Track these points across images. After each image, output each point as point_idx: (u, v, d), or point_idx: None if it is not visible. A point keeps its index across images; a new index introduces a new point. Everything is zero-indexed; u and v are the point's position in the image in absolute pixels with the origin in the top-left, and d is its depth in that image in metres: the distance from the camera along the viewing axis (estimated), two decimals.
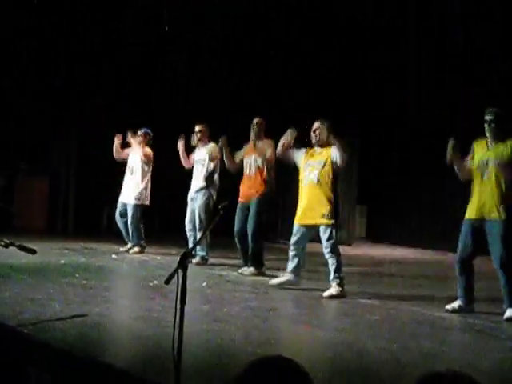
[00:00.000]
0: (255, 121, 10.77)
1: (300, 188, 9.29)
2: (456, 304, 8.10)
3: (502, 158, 7.89)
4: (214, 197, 11.54)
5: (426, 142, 15.51)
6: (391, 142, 17.01)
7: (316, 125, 9.27)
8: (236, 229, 10.64)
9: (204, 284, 9.34)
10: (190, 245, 11.48)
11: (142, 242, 12.56)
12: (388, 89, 16.27)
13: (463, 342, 6.77)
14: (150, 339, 6.16)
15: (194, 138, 11.80)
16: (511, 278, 7.78)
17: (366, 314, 7.91)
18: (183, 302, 4.27)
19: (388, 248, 16.18)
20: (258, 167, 10.62)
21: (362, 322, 7.47)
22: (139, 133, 12.64)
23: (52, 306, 7.27)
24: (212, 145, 11.57)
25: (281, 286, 9.15)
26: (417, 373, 2.43)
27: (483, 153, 8.04)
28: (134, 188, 12.61)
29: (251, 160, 10.69)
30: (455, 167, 8.25)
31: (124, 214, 12.65)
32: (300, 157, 9.37)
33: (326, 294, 8.87)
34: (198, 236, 11.33)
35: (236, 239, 10.68)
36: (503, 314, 7.80)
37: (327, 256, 9.00)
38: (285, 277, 9.26)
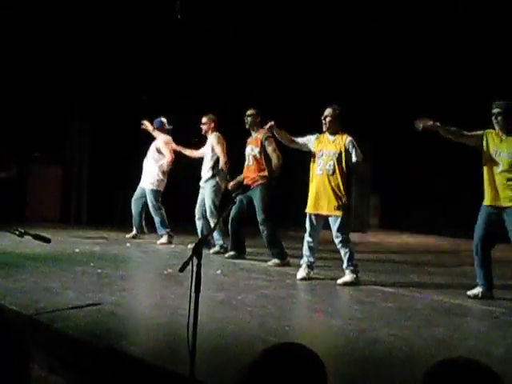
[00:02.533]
0: (248, 112, 10.90)
1: (312, 175, 9.23)
2: (476, 290, 8.14)
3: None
4: (222, 185, 11.61)
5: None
6: (405, 129, 16.95)
7: (327, 111, 9.20)
8: (231, 215, 10.77)
9: (218, 272, 9.37)
10: (199, 232, 11.59)
11: (169, 230, 12.67)
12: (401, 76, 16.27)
13: (478, 330, 6.75)
14: (164, 327, 6.18)
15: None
16: None
17: (380, 301, 7.91)
18: (198, 290, 4.28)
19: (402, 235, 16.17)
20: (255, 157, 10.75)
21: (375, 310, 7.47)
22: (154, 125, 12.80)
23: (67, 295, 7.31)
24: (214, 134, 11.68)
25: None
26: (430, 360, 2.42)
27: (496, 144, 8.08)
28: (149, 174, 12.78)
29: (248, 150, 10.86)
30: (439, 131, 8.27)
31: (140, 199, 12.80)
32: (312, 142, 9.30)
33: (340, 281, 8.90)
34: (211, 224, 11.41)
35: (229, 225, 10.89)
36: None
37: (339, 246, 9.04)
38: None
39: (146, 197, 12.77)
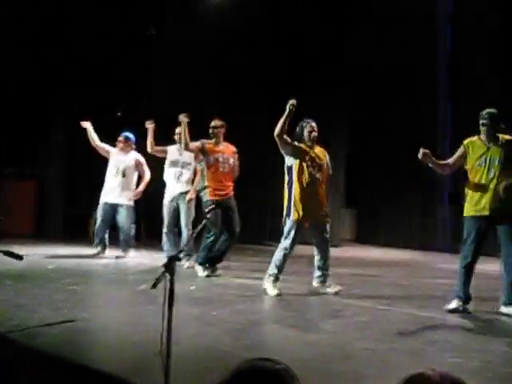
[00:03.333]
0: (218, 123, 10.93)
1: (303, 184, 9.14)
2: (455, 304, 8.12)
3: (503, 156, 8.05)
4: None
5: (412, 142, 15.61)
6: (379, 143, 17.03)
7: (314, 125, 9.29)
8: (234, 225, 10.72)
9: (192, 288, 9.34)
10: (170, 246, 11.59)
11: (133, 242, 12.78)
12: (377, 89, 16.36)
13: (452, 342, 6.77)
14: (138, 344, 6.15)
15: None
16: None
17: (354, 315, 7.92)
18: (171, 306, 4.27)
19: (377, 250, 16.18)
20: (229, 166, 10.84)
21: (350, 324, 7.47)
22: (120, 138, 12.75)
23: (40, 312, 7.26)
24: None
25: None
26: (405, 374, 2.43)
27: (483, 151, 8.10)
28: (129, 190, 12.73)
29: (222, 158, 10.81)
30: (430, 165, 8.34)
31: (111, 216, 12.70)
32: (300, 151, 9.23)
33: (333, 290, 9.18)
34: (185, 238, 11.45)
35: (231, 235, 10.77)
36: (497, 311, 8.04)
37: (327, 253, 9.25)
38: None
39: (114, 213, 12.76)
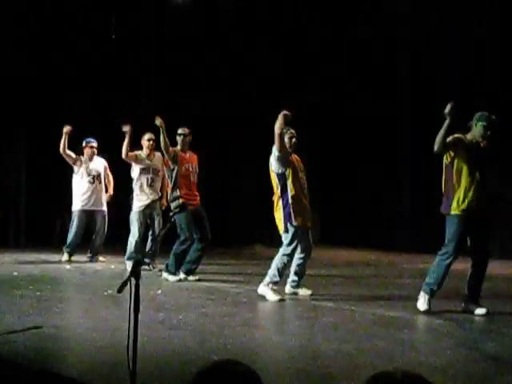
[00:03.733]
0: (186, 131, 10.87)
1: (297, 189, 9.15)
2: (427, 303, 8.14)
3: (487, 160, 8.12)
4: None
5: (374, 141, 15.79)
6: (339, 144, 17.12)
7: (294, 132, 9.31)
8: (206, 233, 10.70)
9: (159, 292, 9.33)
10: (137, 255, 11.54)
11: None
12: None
13: (418, 341, 6.84)
14: (105, 349, 6.14)
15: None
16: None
17: (321, 316, 7.95)
18: (137, 311, 4.27)
19: (340, 250, 16.22)
20: (196, 175, 10.83)
21: (316, 325, 7.51)
22: (88, 143, 12.72)
23: (6, 319, 7.22)
24: (160, 154, 11.61)
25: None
26: (372, 373, 2.45)
27: (475, 151, 8.07)
28: (103, 195, 12.86)
29: (190, 167, 10.80)
30: (442, 133, 7.96)
31: (91, 223, 12.70)
32: (289, 158, 9.25)
33: (307, 293, 9.26)
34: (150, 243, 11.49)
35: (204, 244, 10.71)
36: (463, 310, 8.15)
37: (309, 258, 9.34)
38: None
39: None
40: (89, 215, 12.79)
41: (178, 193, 10.60)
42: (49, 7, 14.78)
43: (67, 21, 14.92)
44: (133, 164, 11.82)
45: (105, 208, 12.89)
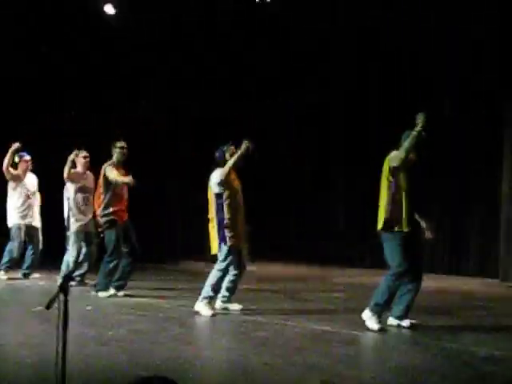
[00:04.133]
0: (124, 145, 10.73)
1: (234, 209, 9.19)
2: (408, 321, 8.20)
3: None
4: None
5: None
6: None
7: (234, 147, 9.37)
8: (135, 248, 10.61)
9: (89, 308, 9.25)
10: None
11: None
12: None
13: (347, 354, 6.89)
14: (32, 366, 6.06)
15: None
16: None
17: (251, 331, 7.97)
18: (65, 327, 4.23)
19: (271, 265, 16.27)
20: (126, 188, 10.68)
21: (247, 340, 7.52)
22: (22, 158, 12.55)
23: None
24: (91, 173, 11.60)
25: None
26: None
27: (411, 165, 8.04)
28: (38, 211, 12.72)
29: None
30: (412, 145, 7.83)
31: (29, 238, 12.57)
32: (230, 178, 9.27)
33: (235, 308, 9.34)
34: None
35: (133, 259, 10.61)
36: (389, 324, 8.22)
37: (241, 275, 9.42)
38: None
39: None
40: (29, 231, 12.62)
41: (109, 209, 10.51)
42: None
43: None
44: (68, 183, 11.74)
45: (39, 224, 12.73)
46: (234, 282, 9.37)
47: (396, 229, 7.93)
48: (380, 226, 8.01)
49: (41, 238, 12.73)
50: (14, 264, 12.60)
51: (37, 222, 12.73)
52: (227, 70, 16.25)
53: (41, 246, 12.72)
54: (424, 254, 11.82)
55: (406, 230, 7.90)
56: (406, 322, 8.20)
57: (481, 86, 14.27)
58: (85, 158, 11.70)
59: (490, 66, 14.25)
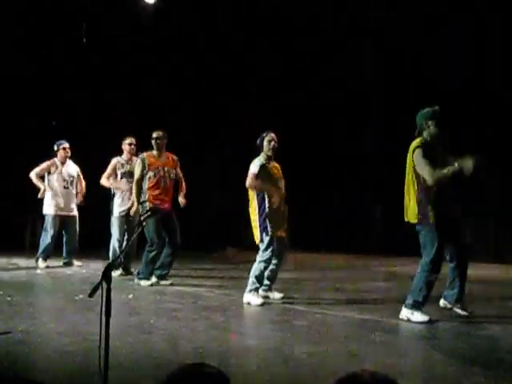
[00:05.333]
0: (160, 134, 10.79)
1: (273, 201, 9.13)
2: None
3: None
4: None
5: None
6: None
7: (274, 136, 9.34)
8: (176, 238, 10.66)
9: (130, 296, 9.31)
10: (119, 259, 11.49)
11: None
12: None
13: (388, 343, 6.86)
14: (76, 353, 6.11)
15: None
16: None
17: (292, 319, 7.97)
18: (108, 315, 4.26)
19: (312, 253, 16.25)
20: (171, 179, 10.78)
21: (288, 328, 7.52)
22: (61, 146, 12.65)
23: None
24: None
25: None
26: (343, 375, 2.47)
27: (441, 155, 7.90)
28: (74, 200, 12.76)
29: (162, 172, 10.70)
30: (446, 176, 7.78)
31: (64, 228, 12.65)
32: (266, 172, 9.28)
33: (278, 297, 9.31)
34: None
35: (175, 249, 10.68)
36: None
37: (281, 263, 9.38)
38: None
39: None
40: (64, 220, 12.72)
41: (145, 197, 10.58)
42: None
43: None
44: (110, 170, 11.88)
45: (77, 213, 12.81)
46: (275, 271, 9.37)
47: (429, 220, 7.80)
48: (410, 217, 7.92)
49: (77, 227, 12.77)
50: (51, 253, 12.71)
51: (73, 211, 12.79)
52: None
53: (77, 236, 12.77)
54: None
55: (435, 220, 7.77)
56: (457, 308, 8.11)
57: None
58: (130, 144, 11.80)
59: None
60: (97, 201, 12.64)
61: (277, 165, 9.40)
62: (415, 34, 15.03)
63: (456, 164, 7.57)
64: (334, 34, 16.00)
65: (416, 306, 7.84)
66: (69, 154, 12.76)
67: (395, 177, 8.69)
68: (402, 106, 14.37)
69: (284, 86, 16.17)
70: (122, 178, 11.85)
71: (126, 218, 11.66)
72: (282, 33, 15.99)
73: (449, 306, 8.11)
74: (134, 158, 11.64)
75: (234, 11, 15.69)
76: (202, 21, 15.55)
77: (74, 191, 12.80)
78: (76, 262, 12.73)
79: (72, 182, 12.77)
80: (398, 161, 8.32)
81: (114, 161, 11.88)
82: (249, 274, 9.15)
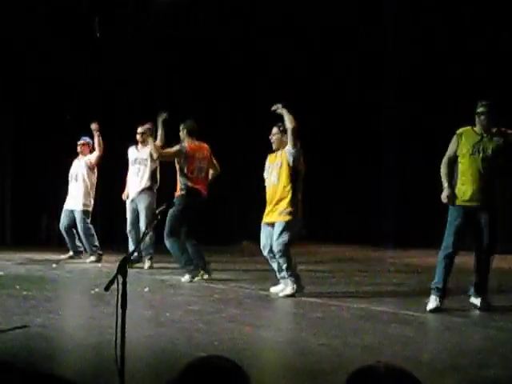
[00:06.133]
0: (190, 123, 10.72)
1: (300, 185, 9.24)
2: (434, 302, 7.98)
3: (498, 148, 7.98)
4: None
5: None
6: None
7: (273, 130, 9.35)
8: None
9: (146, 289, 9.33)
10: (132, 247, 11.50)
11: (98, 250, 12.60)
12: None
13: (404, 335, 6.85)
14: (92, 347, 6.14)
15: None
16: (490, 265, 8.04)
17: (308, 312, 7.98)
18: (124, 308, 4.26)
19: (323, 246, 16.23)
20: (205, 167, 10.67)
21: (303, 321, 7.53)
22: (79, 142, 12.70)
23: None
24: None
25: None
26: (358, 367, 2.47)
27: (476, 140, 7.99)
28: (79, 195, 12.64)
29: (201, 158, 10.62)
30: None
31: (70, 222, 12.63)
32: (266, 166, 9.44)
33: (282, 293, 9.01)
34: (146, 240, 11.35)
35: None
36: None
37: (278, 255, 9.06)
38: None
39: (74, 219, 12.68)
40: (69, 215, 12.78)
41: (182, 185, 10.40)
42: (49, 7, 14.79)
43: (68, 21, 14.94)
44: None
45: (80, 208, 12.61)
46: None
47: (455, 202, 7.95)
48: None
49: (80, 223, 12.62)
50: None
51: (74, 206, 12.69)
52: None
53: (81, 231, 12.62)
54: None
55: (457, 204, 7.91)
56: (475, 300, 8.11)
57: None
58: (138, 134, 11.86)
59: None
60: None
61: (279, 153, 9.30)
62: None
63: None
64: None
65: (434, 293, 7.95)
66: (80, 149, 12.76)
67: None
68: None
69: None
70: (133, 165, 11.88)
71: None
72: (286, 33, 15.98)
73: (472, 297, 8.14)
74: (140, 146, 11.83)
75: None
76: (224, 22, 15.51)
77: (79, 186, 12.69)
78: (90, 257, 12.63)
79: (76, 176, 12.73)
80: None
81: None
82: (264, 265, 9.16)
